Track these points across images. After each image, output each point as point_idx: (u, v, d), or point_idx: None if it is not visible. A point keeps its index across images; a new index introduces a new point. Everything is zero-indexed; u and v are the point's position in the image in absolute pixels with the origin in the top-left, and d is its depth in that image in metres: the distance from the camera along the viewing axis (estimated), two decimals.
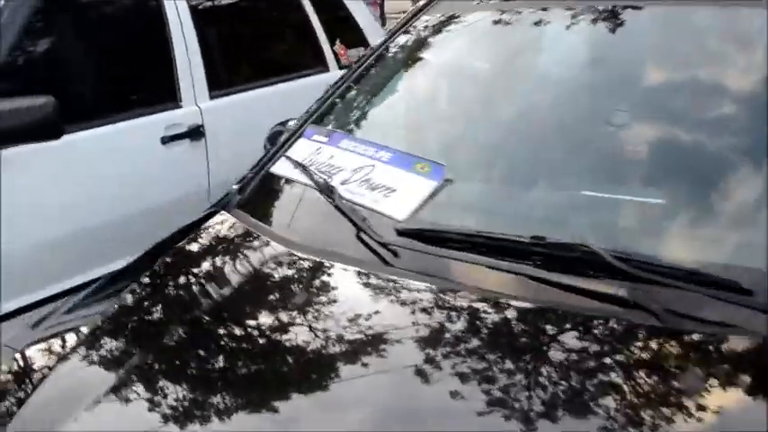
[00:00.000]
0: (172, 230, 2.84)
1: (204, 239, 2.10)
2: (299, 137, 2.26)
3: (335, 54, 4.36)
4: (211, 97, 3.56)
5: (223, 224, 2.11)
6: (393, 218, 1.83)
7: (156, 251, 2.07)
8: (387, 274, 1.75)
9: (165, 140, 3.35)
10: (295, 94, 3.94)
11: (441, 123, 2.14)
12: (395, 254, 1.76)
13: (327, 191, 1.94)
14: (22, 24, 2.95)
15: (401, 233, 1.80)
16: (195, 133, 3.44)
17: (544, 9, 2.23)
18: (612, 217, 1.76)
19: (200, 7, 3.60)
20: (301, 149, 2.18)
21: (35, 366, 1.80)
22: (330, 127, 2.23)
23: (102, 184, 3.13)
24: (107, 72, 3.36)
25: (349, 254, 1.83)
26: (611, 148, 1.90)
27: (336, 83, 2.40)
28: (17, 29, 2.92)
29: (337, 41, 4.41)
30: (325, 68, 4.26)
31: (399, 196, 1.88)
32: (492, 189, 1.87)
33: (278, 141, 2.45)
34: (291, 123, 2.67)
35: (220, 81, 3.64)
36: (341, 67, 4.34)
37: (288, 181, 2.12)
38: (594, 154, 1.89)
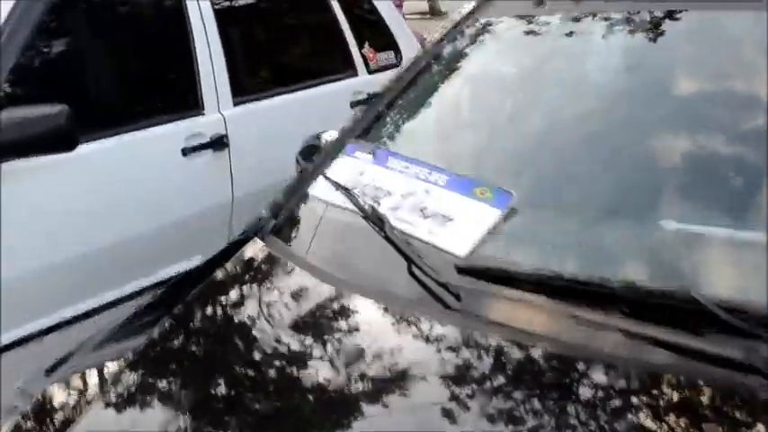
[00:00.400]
0: (197, 253, 2.64)
1: (237, 270, 1.88)
2: (338, 153, 2.03)
3: (364, 58, 4.14)
4: (235, 104, 3.34)
5: (257, 254, 1.89)
6: (452, 253, 1.60)
7: (186, 282, 1.85)
8: (447, 318, 1.52)
9: (187, 151, 3.12)
10: (323, 100, 3.74)
11: (501, 143, 1.90)
12: (456, 296, 1.53)
13: (376, 220, 1.71)
14: (35, 26, 2.73)
15: (461, 271, 1.57)
16: (218, 143, 3.22)
17: (609, 15, 2.01)
18: (706, 255, 1.52)
19: (223, 8, 3.37)
20: (342, 169, 1.95)
21: (57, 407, 1.60)
22: (374, 143, 2.00)
23: (118, 198, 2.92)
24: (124, 78, 3.15)
25: (401, 293, 1.60)
26: (700, 172, 1.65)
27: (381, 93, 2.17)
28: (29, 31, 2.71)
29: (366, 44, 4.19)
30: (354, 73, 4.04)
31: (458, 227, 1.65)
32: (565, 219, 1.64)
33: (313, 157, 2.23)
34: (326, 136, 2.45)
35: (245, 87, 3.41)
36: (370, 72, 4.12)
37: (328, 205, 1.89)
38: (682, 178, 1.65)
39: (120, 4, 3.20)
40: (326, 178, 1.93)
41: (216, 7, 3.29)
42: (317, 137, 2.48)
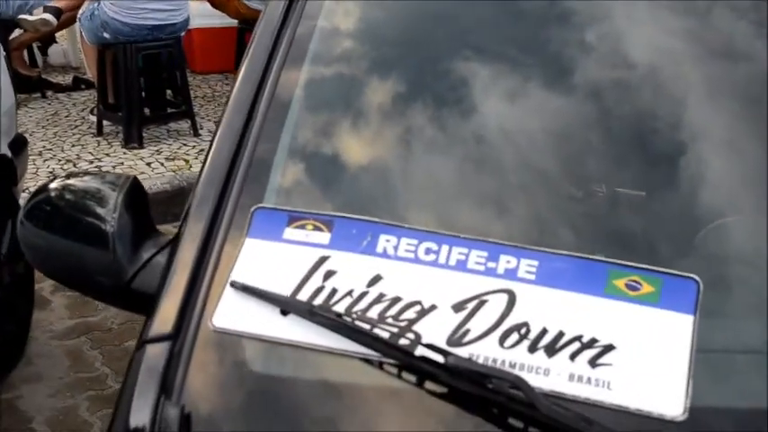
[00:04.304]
0: None
1: None
2: (229, 231, 1.08)
3: None
4: None
5: None
6: (659, 416, 0.86)
7: None
8: None
9: None
10: None
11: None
12: None
13: (500, 380, 0.87)
14: None
15: None
16: None
17: None
18: None
19: None
20: (265, 263, 1.02)
21: None
22: (304, 207, 1.08)
23: None
24: None
25: None
26: None
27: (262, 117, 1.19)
28: None
29: None
30: None
31: (628, 360, 0.90)
32: None
33: (50, 219, 1.23)
34: (54, 185, 1.42)
35: None
36: None
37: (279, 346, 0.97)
38: None
39: None
40: (253, 292, 0.98)
41: None
42: (45, 187, 1.40)
